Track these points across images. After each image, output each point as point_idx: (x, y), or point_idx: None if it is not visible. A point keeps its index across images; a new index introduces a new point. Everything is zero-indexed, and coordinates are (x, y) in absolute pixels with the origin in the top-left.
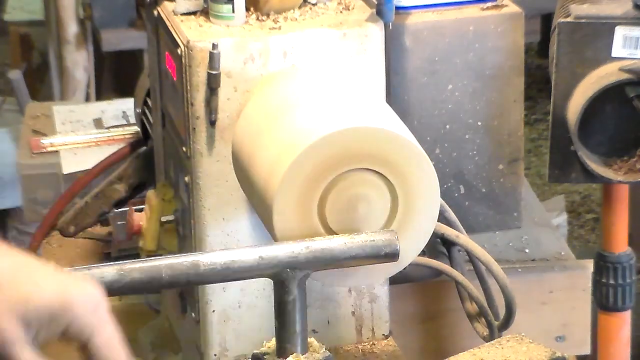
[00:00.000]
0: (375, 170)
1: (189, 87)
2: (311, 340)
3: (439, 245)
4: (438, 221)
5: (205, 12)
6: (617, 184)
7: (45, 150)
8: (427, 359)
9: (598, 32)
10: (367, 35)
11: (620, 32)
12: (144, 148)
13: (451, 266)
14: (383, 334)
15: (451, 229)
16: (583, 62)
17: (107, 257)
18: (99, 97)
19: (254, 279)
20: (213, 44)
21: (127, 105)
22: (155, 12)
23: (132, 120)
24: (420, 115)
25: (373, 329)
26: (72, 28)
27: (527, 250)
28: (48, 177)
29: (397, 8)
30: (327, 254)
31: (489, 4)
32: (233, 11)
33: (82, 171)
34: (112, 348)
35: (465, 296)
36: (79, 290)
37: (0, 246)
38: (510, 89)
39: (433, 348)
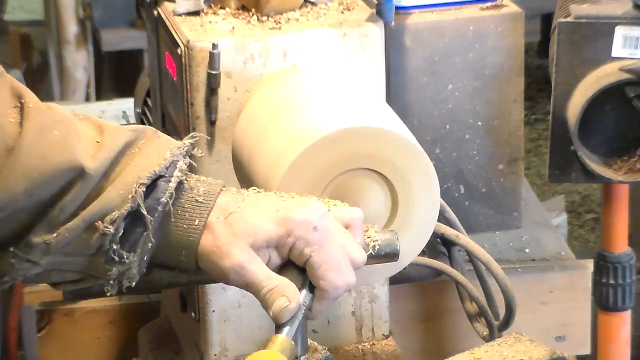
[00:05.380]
0: (375, 170)
1: (189, 87)
2: (311, 341)
3: (439, 245)
4: (438, 221)
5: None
6: (617, 184)
7: None
8: (427, 359)
9: (598, 32)
10: (367, 35)
11: (620, 32)
12: None
13: (451, 266)
14: (383, 334)
15: (451, 229)
16: (583, 62)
17: None
18: (99, 97)
19: None
20: (213, 44)
21: (127, 105)
22: (155, 12)
23: (132, 120)
24: (420, 115)
25: (373, 329)
26: (72, 28)
27: (527, 250)
28: None
29: (397, 8)
30: None
31: (489, 4)
32: None
33: None
34: (326, 269)
35: (465, 296)
36: (296, 215)
37: (235, 192)
38: (510, 89)
39: (433, 348)
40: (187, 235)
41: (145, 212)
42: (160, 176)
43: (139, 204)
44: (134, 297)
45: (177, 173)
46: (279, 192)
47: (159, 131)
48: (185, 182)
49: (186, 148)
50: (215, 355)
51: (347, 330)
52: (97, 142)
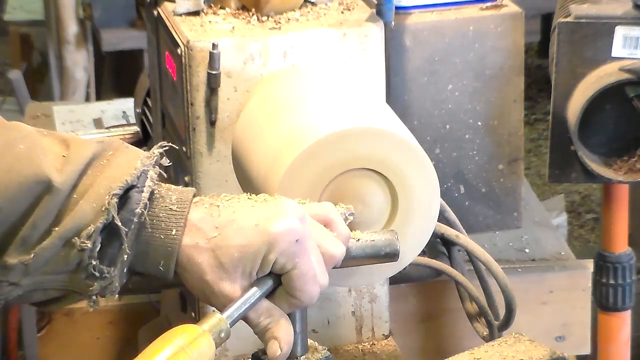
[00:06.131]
0: (375, 170)
1: (189, 87)
2: (311, 341)
3: (439, 245)
4: (438, 221)
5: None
6: (617, 184)
7: None
8: (427, 359)
9: (598, 32)
10: (367, 35)
11: (620, 32)
12: (144, 148)
13: (451, 266)
14: (383, 334)
15: (451, 229)
16: (583, 62)
17: None
18: (99, 97)
19: None
20: (213, 44)
21: (127, 105)
22: (155, 12)
23: (132, 120)
24: (420, 115)
25: (373, 329)
26: (72, 28)
27: (527, 250)
28: None
29: (397, 8)
30: None
31: (489, 4)
32: None
33: None
34: (304, 281)
35: (465, 296)
36: (278, 228)
37: (209, 206)
38: (510, 89)
39: (433, 348)
40: (164, 246)
41: (120, 224)
42: (132, 186)
43: (113, 216)
44: (134, 297)
45: (148, 183)
46: (251, 194)
47: (126, 142)
48: (156, 191)
49: (156, 157)
50: (215, 355)
51: (347, 330)
52: (63, 156)
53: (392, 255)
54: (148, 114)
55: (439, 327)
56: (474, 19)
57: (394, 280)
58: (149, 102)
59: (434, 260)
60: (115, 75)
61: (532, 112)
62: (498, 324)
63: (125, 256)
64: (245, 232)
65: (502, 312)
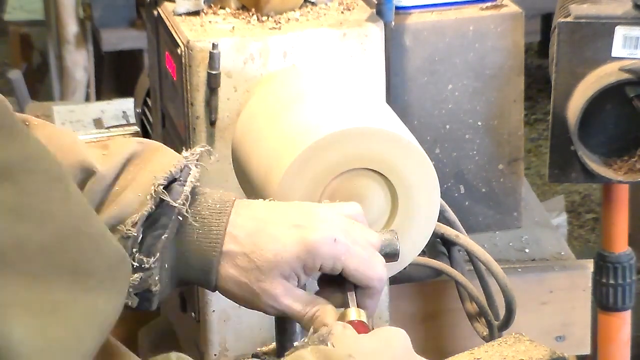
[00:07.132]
0: (375, 170)
1: (189, 87)
2: None
3: (439, 245)
4: (438, 221)
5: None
6: (617, 184)
7: None
8: (427, 359)
9: (598, 32)
10: (367, 35)
11: (620, 32)
12: None
13: (451, 266)
14: None
15: (451, 229)
16: (583, 62)
17: None
18: (99, 97)
19: None
20: (213, 44)
21: (127, 105)
22: (155, 12)
23: (132, 120)
24: (420, 115)
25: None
26: (72, 28)
27: (527, 250)
28: None
29: (397, 8)
30: None
31: (489, 4)
32: None
33: None
34: (364, 270)
35: (465, 296)
36: (315, 236)
37: (242, 206)
38: (510, 89)
39: (433, 348)
40: (207, 248)
41: (171, 201)
42: (175, 179)
43: (159, 203)
44: None
45: (190, 178)
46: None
47: (164, 145)
48: (199, 189)
49: (197, 156)
50: (215, 355)
51: None
52: (103, 154)
53: (392, 255)
54: (148, 114)
55: (439, 327)
56: (474, 19)
57: (394, 280)
58: (149, 102)
59: (434, 260)
60: (115, 75)
61: (532, 112)
62: (498, 324)
63: (167, 248)
64: (279, 237)
65: (502, 312)
